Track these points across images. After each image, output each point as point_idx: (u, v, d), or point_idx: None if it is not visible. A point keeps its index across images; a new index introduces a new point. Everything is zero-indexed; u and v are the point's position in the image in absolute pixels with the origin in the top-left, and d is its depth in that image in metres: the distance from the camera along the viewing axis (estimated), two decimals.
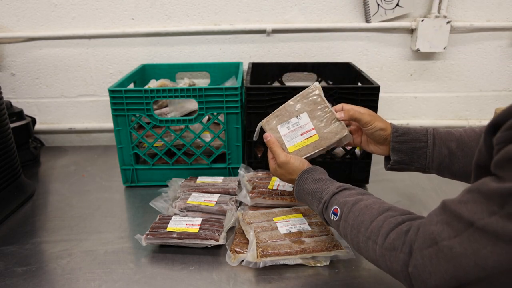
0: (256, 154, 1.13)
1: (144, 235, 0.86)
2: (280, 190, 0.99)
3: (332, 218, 0.69)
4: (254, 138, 0.92)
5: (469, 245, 0.44)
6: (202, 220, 0.90)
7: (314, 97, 0.85)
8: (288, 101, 0.87)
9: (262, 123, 0.89)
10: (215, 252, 0.86)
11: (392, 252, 0.55)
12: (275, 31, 1.37)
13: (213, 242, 0.85)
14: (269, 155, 0.88)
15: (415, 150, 0.80)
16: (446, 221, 0.48)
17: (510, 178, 0.43)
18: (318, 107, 0.84)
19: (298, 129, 0.85)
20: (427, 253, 0.49)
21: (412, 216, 0.58)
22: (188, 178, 1.12)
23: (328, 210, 0.71)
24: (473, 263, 0.44)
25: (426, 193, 1.10)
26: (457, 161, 0.79)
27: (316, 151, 0.84)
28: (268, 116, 0.88)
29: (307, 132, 0.85)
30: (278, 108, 0.87)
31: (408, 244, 0.53)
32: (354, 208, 0.65)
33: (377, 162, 1.25)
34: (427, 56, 1.41)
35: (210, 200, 0.97)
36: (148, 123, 1.09)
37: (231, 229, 0.93)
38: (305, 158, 0.85)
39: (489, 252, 0.43)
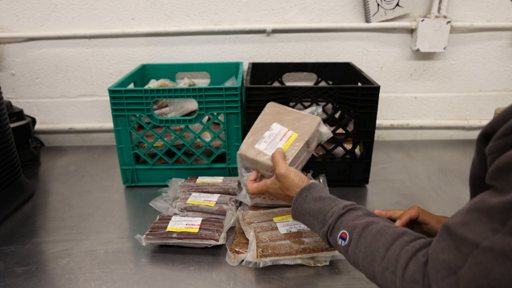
0: None
1: (144, 235, 0.86)
2: None
3: (339, 243, 0.63)
4: (239, 169, 0.91)
5: (478, 268, 0.42)
6: (202, 220, 0.90)
7: (274, 109, 0.86)
8: (254, 123, 0.88)
9: (239, 152, 0.86)
10: (215, 252, 0.86)
11: (413, 285, 0.51)
12: (275, 31, 1.37)
13: (213, 242, 0.85)
14: (253, 176, 0.83)
15: None
16: (454, 246, 0.45)
17: (507, 190, 0.42)
18: (284, 114, 0.85)
19: (275, 138, 0.84)
20: (447, 285, 0.45)
21: (427, 241, 0.54)
22: (188, 178, 1.12)
23: (335, 234, 0.64)
24: (487, 286, 0.41)
25: (426, 193, 1.10)
26: None
27: (301, 145, 0.81)
28: (242, 144, 0.87)
29: (284, 135, 0.84)
30: (248, 133, 0.87)
31: (428, 276, 0.49)
32: (365, 233, 0.60)
33: (377, 162, 1.25)
34: (427, 56, 1.41)
35: (210, 200, 0.97)
36: (148, 123, 1.09)
37: (231, 229, 0.93)
38: (295, 158, 0.81)
39: (499, 273, 0.40)
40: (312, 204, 0.70)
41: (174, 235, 0.86)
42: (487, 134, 0.46)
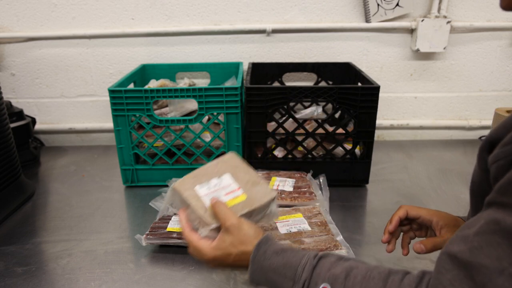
0: (256, 154, 1.13)
1: (144, 235, 0.86)
2: (280, 190, 0.99)
3: None
4: (166, 203, 0.78)
5: None
6: None
7: (234, 161, 0.76)
8: (206, 165, 0.75)
9: (175, 185, 0.72)
10: None
11: None
12: (275, 31, 1.37)
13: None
14: (186, 228, 0.66)
15: None
16: (465, 275, 0.40)
17: None
18: (242, 171, 0.74)
19: (221, 190, 0.71)
20: None
21: (419, 274, 0.49)
22: None
23: None
24: None
25: (426, 193, 1.10)
26: None
27: (245, 211, 0.68)
28: (181, 178, 0.73)
29: (232, 192, 0.71)
30: (194, 171, 0.74)
31: None
32: (349, 282, 0.53)
33: (377, 162, 1.25)
34: (427, 56, 1.41)
35: None
36: (148, 123, 1.09)
37: None
38: None
39: None
40: (274, 259, 0.58)
41: (174, 235, 0.86)
42: (492, 141, 0.43)
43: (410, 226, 0.75)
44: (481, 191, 0.46)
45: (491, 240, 0.40)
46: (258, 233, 0.62)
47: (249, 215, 0.69)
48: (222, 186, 0.71)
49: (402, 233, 0.75)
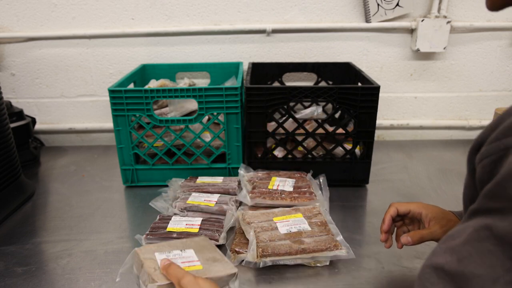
0: (256, 154, 1.13)
1: (144, 235, 0.86)
2: (280, 190, 0.99)
3: None
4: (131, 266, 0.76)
5: None
6: (202, 220, 0.90)
7: (204, 242, 0.78)
8: (174, 240, 0.80)
9: (136, 249, 0.75)
10: None
11: None
12: (275, 31, 1.37)
13: (213, 242, 0.84)
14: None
15: None
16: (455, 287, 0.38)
17: (511, 207, 0.36)
18: (208, 250, 0.76)
19: (178, 259, 0.73)
20: None
21: None
22: (188, 178, 1.12)
23: None
24: None
25: (426, 193, 1.10)
26: None
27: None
28: (144, 246, 0.79)
29: (188, 262, 0.72)
30: (160, 243, 0.78)
31: None
32: None
33: (377, 162, 1.25)
34: (427, 56, 1.41)
35: (210, 200, 0.97)
36: (148, 123, 1.09)
37: (231, 229, 0.93)
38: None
39: None
40: None
41: (174, 235, 0.86)
42: (480, 141, 0.41)
43: (403, 222, 0.79)
44: (470, 196, 0.45)
45: (482, 248, 0.37)
46: (215, 286, 0.62)
47: None
48: (182, 257, 0.73)
49: (396, 228, 0.79)
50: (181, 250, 0.76)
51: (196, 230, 0.87)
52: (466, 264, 0.38)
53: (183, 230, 0.87)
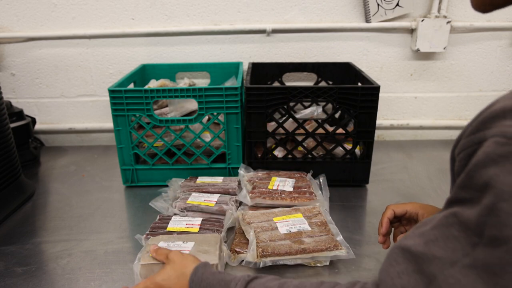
0: (256, 154, 1.13)
1: (144, 235, 0.86)
2: (280, 190, 0.99)
3: None
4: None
5: (458, 287, 0.38)
6: (202, 220, 0.90)
7: (214, 239, 0.82)
8: (188, 234, 0.85)
9: (150, 239, 0.84)
10: None
11: None
12: (275, 31, 1.37)
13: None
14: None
15: None
16: (414, 270, 0.41)
17: (477, 196, 0.38)
18: (207, 244, 0.80)
19: (174, 247, 0.79)
20: None
21: (356, 281, 0.52)
22: (188, 178, 1.12)
23: None
24: None
25: (426, 193, 1.10)
26: None
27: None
28: (158, 236, 0.84)
29: (180, 250, 0.77)
30: (171, 235, 0.85)
31: None
32: None
33: (377, 162, 1.25)
34: (427, 56, 1.41)
35: (210, 200, 0.97)
36: (148, 123, 1.09)
37: (231, 229, 0.93)
38: None
39: None
40: (210, 279, 0.63)
41: (174, 235, 0.86)
42: (459, 140, 0.43)
43: (400, 222, 0.79)
44: None
45: (447, 233, 0.40)
46: (197, 260, 0.69)
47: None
48: (179, 246, 0.79)
49: (393, 229, 0.80)
50: (183, 242, 0.81)
51: (196, 230, 0.87)
52: (431, 247, 0.40)
53: (183, 230, 0.87)
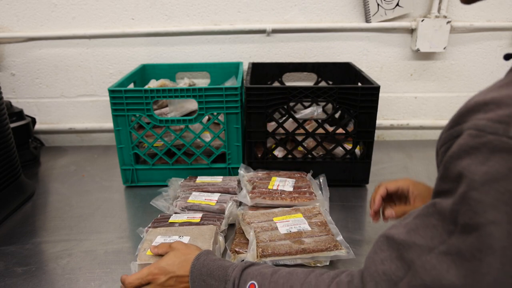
0: (256, 154, 1.13)
1: (146, 228, 0.87)
2: (280, 190, 0.99)
3: None
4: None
5: (428, 274, 0.41)
6: (203, 215, 0.92)
7: (210, 232, 0.83)
8: (183, 227, 0.86)
9: (148, 230, 0.86)
10: None
11: None
12: (275, 31, 1.37)
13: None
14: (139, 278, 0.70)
15: None
16: (396, 256, 0.44)
17: (452, 187, 0.40)
18: (202, 239, 0.81)
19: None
20: None
21: (344, 269, 0.55)
22: (188, 177, 1.12)
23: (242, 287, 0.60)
24: None
25: None
26: None
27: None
28: (157, 229, 0.86)
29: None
30: (169, 228, 0.86)
31: None
32: (274, 277, 0.57)
33: (377, 162, 1.25)
34: (427, 56, 1.41)
35: (211, 199, 0.98)
36: (148, 123, 1.09)
37: (232, 228, 0.93)
38: None
39: (454, 276, 0.39)
40: (211, 264, 0.66)
41: (176, 226, 0.87)
42: (441, 135, 0.45)
43: (391, 199, 0.83)
44: None
45: (427, 222, 0.43)
46: (199, 249, 0.72)
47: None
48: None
49: (383, 204, 0.83)
50: (179, 236, 0.81)
51: (198, 220, 0.89)
52: (412, 235, 0.43)
53: (185, 221, 0.89)
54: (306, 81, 1.45)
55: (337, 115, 1.19)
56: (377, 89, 1.04)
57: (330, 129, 1.09)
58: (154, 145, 1.13)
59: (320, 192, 1.01)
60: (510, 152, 0.37)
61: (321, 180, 1.07)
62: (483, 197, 0.38)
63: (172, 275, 0.67)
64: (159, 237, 0.81)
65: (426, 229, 0.43)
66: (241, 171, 1.09)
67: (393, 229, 0.46)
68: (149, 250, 0.77)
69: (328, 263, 0.81)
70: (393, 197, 0.83)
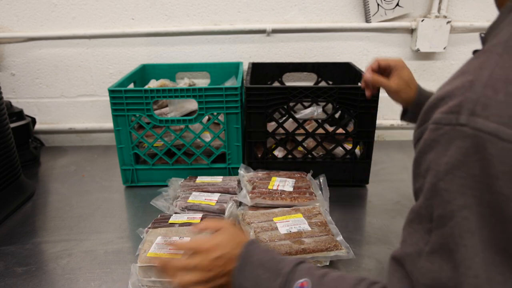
0: (256, 154, 1.13)
1: (146, 229, 0.87)
2: (280, 190, 0.99)
3: None
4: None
5: (427, 277, 0.42)
6: (203, 216, 0.92)
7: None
8: (183, 227, 0.85)
9: (148, 230, 0.85)
10: None
11: None
12: (275, 31, 1.37)
13: None
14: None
15: None
16: (401, 273, 0.46)
17: (423, 185, 0.43)
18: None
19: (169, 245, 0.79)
20: None
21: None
22: (188, 177, 1.12)
23: (291, 284, 0.57)
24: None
25: None
26: None
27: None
28: (158, 229, 0.85)
29: (174, 250, 0.76)
30: (169, 228, 0.85)
31: None
32: (324, 279, 0.56)
33: (377, 162, 1.25)
34: (427, 56, 1.41)
35: (211, 199, 0.98)
36: (148, 123, 1.09)
37: None
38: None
39: (449, 270, 0.40)
40: (262, 255, 0.61)
41: (176, 226, 0.87)
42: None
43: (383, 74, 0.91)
44: None
45: (410, 229, 0.45)
46: (245, 233, 0.69)
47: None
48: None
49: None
50: (179, 237, 0.81)
51: (198, 221, 0.88)
52: (403, 247, 0.46)
53: (185, 222, 0.88)
54: (306, 81, 1.45)
55: (337, 115, 1.19)
56: (377, 89, 1.04)
57: (330, 129, 1.09)
58: (154, 145, 1.13)
59: (320, 192, 1.01)
60: (463, 138, 0.39)
61: (321, 180, 1.07)
62: (450, 186, 0.40)
63: (224, 254, 0.61)
64: (159, 238, 0.81)
65: (411, 236, 0.45)
66: (241, 171, 1.09)
67: (396, 249, 0.48)
68: (149, 251, 0.77)
69: (328, 263, 0.81)
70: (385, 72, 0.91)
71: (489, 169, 0.38)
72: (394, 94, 0.90)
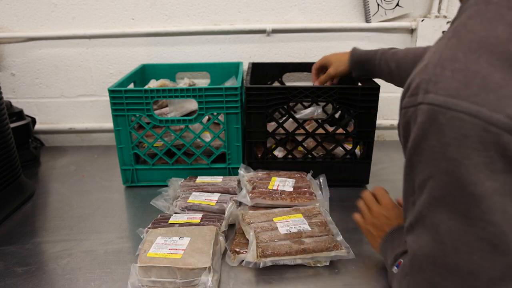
0: (256, 154, 1.13)
1: (146, 229, 0.87)
2: (280, 190, 0.99)
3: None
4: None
5: (421, 251, 0.50)
6: (203, 215, 0.92)
7: (208, 232, 0.83)
8: (183, 227, 0.86)
9: (149, 230, 0.86)
10: None
11: None
12: (275, 31, 1.37)
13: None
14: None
15: (368, 67, 1.02)
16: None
17: (414, 182, 0.51)
18: (203, 240, 0.80)
19: (170, 245, 0.79)
20: None
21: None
22: (188, 177, 1.12)
23: (398, 259, 0.67)
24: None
25: None
26: (396, 79, 0.97)
27: (168, 265, 0.73)
28: (158, 229, 0.85)
29: (175, 249, 0.78)
30: (169, 228, 0.85)
31: None
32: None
33: (378, 162, 1.25)
34: None
35: (211, 199, 0.98)
36: (148, 123, 1.09)
37: (232, 227, 0.93)
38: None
39: (430, 241, 0.48)
40: (397, 242, 0.72)
41: (176, 226, 0.87)
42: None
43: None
44: None
45: (405, 203, 0.58)
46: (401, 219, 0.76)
47: (174, 274, 0.74)
48: (175, 243, 0.79)
49: None
50: (179, 237, 0.81)
51: (198, 221, 0.88)
52: (415, 248, 0.53)
53: (185, 222, 0.88)
54: (306, 81, 1.45)
55: (337, 115, 1.19)
56: (377, 89, 1.04)
57: (330, 129, 1.09)
58: (154, 145, 1.13)
59: (320, 192, 1.01)
60: (421, 114, 0.45)
61: (321, 180, 1.06)
62: (419, 158, 0.48)
63: (387, 216, 0.77)
64: (159, 238, 0.81)
65: (405, 211, 0.54)
66: (241, 171, 1.09)
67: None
68: (149, 251, 0.77)
69: (328, 263, 0.81)
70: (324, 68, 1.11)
71: (442, 138, 0.43)
72: (340, 73, 1.09)
